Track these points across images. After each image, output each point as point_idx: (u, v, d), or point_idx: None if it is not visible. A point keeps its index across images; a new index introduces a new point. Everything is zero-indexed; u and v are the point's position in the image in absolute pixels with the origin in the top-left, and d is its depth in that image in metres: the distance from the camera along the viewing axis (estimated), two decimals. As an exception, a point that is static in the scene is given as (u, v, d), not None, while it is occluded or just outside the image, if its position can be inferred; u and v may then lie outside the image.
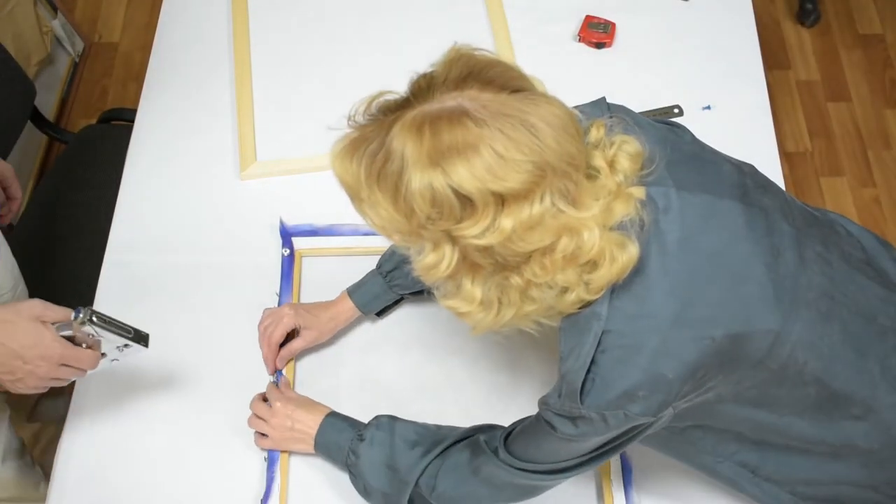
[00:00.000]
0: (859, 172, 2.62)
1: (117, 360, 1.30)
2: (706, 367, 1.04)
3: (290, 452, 1.39)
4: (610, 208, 1.00)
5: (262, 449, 1.39)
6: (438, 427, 1.29)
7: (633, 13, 1.86)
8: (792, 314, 1.07)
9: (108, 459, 1.39)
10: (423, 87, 0.99)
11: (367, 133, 1.01)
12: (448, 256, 1.00)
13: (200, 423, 1.42)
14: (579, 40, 1.84)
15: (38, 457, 1.72)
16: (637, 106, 1.71)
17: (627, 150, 1.03)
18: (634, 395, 1.02)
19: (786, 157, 2.61)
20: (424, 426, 1.30)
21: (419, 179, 0.95)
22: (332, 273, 1.56)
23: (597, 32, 1.82)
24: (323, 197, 1.65)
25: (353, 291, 1.47)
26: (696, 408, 1.09)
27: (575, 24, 1.85)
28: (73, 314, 1.23)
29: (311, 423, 1.35)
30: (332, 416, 1.35)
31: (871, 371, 1.14)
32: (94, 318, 1.23)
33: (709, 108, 1.74)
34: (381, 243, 1.57)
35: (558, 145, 0.95)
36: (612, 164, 1.01)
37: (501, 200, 0.95)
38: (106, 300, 1.54)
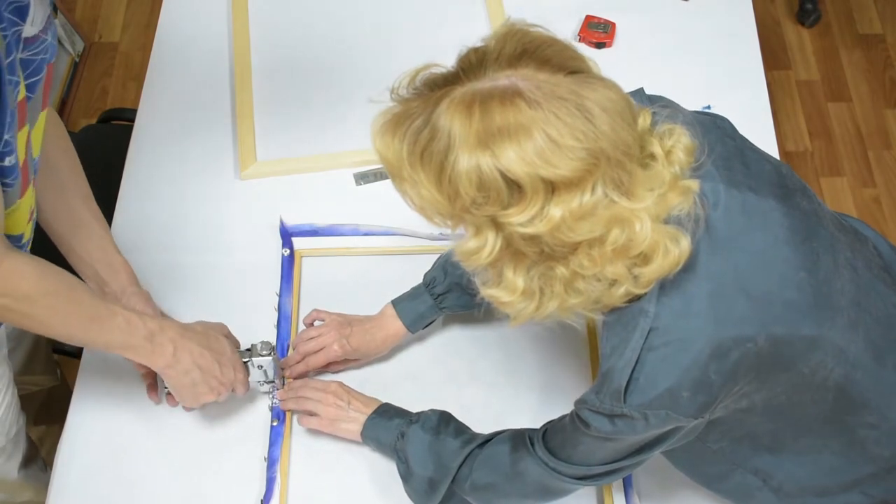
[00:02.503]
0: (859, 172, 2.63)
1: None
2: (747, 370, 1.02)
3: (332, 436, 1.38)
4: (664, 200, 0.96)
5: (309, 427, 1.39)
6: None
7: (633, 13, 1.86)
8: (828, 321, 1.05)
9: (108, 459, 1.39)
10: (475, 63, 0.95)
11: (411, 108, 0.96)
12: (491, 243, 0.96)
13: (201, 423, 1.42)
14: (579, 40, 1.84)
15: (43, 457, 1.72)
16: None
17: (683, 142, 0.99)
18: (678, 394, 1.00)
19: (786, 157, 2.61)
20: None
21: (466, 160, 0.91)
22: (332, 273, 1.56)
23: (597, 32, 1.82)
24: (323, 197, 1.66)
25: (402, 312, 1.42)
26: (729, 415, 1.08)
27: (575, 24, 1.85)
28: (259, 344, 1.37)
29: (364, 408, 1.35)
30: (387, 404, 1.35)
31: (887, 379, 1.13)
32: (274, 352, 1.37)
33: (709, 108, 1.74)
34: (382, 243, 1.57)
35: (614, 132, 0.92)
36: (668, 155, 0.98)
37: (552, 188, 0.91)
38: (106, 300, 1.54)
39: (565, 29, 1.85)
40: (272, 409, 1.42)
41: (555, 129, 0.90)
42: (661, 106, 1.04)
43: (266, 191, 1.66)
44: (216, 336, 1.33)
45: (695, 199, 0.98)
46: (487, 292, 1.02)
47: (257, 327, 1.49)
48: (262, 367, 1.37)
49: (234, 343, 1.39)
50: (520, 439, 1.20)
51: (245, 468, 1.38)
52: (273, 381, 1.40)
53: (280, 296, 1.53)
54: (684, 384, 1.00)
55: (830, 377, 1.08)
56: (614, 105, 0.93)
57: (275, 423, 1.40)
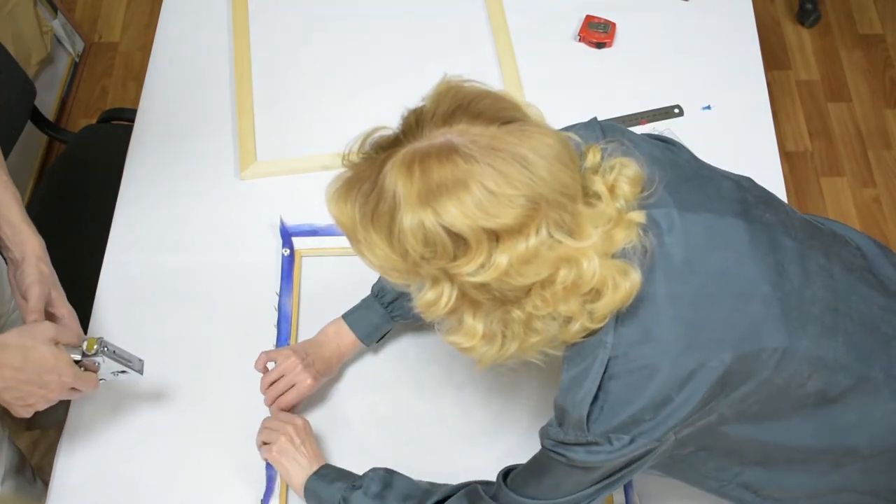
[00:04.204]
0: (859, 172, 2.62)
1: (105, 379, 1.32)
2: (714, 389, 1.02)
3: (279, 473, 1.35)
4: (610, 235, 0.98)
5: (263, 457, 1.36)
6: (433, 484, 1.26)
7: (633, 13, 1.86)
8: (798, 330, 1.06)
9: (107, 460, 1.39)
10: (413, 124, 0.98)
11: (360, 172, 1.00)
12: (447, 293, 0.98)
13: (200, 423, 1.42)
14: (579, 40, 1.84)
15: (36, 462, 1.71)
16: (637, 106, 1.73)
17: (627, 174, 1.01)
18: (641, 419, 1.01)
19: (786, 157, 2.61)
20: (419, 483, 1.26)
21: (410, 219, 0.94)
22: (332, 273, 1.56)
23: (597, 32, 1.82)
24: (323, 197, 1.65)
25: (354, 324, 1.42)
26: (698, 432, 1.08)
27: (575, 24, 1.85)
28: (84, 343, 1.27)
29: (312, 458, 1.31)
30: (327, 466, 1.31)
31: (873, 379, 1.13)
32: (105, 349, 1.28)
33: (709, 108, 1.74)
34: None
35: (551, 176, 0.94)
36: (612, 190, 1.00)
37: (495, 237, 0.94)
38: (106, 300, 1.54)
39: (565, 29, 1.85)
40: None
41: (492, 181, 0.92)
42: (609, 140, 1.06)
43: (266, 191, 1.66)
44: (32, 346, 1.21)
45: (640, 231, 1.00)
46: (449, 339, 1.04)
47: (257, 327, 1.49)
48: (99, 363, 1.30)
49: (72, 339, 1.27)
50: (474, 493, 1.19)
51: (245, 468, 1.38)
52: (126, 371, 1.32)
53: (280, 296, 1.53)
54: (648, 409, 1.01)
55: (808, 384, 1.09)
56: (550, 149, 0.95)
57: (274, 423, 1.40)
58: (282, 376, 1.39)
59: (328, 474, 1.29)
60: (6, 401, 1.23)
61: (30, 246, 1.32)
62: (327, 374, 1.43)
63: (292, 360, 1.39)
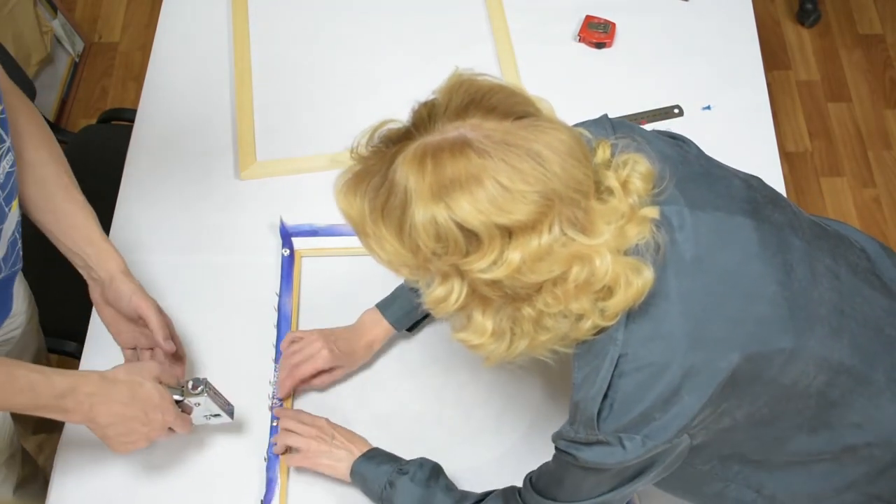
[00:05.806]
0: (859, 172, 2.63)
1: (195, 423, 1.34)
2: (723, 388, 1.02)
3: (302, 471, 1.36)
4: (623, 232, 0.97)
5: (289, 465, 1.36)
6: (465, 492, 1.27)
7: (633, 13, 1.86)
8: (806, 331, 1.06)
9: (107, 461, 1.39)
10: (425, 117, 0.97)
11: (369, 166, 0.99)
12: (457, 290, 0.97)
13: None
14: (579, 40, 1.84)
15: (41, 464, 1.71)
16: (637, 106, 1.73)
17: (639, 170, 1.00)
18: (650, 417, 1.01)
19: (786, 157, 2.61)
20: (456, 488, 1.28)
21: (422, 214, 0.93)
22: (332, 273, 1.56)
23: (597, 32, 1.82)
24: (323, 197, 1.64)
25: (385, 309, 1.43)
26: (713, 436, 1.08)
27: (575, 24, 1.85)
28: (189, 382, 1.29)
29: (349, 444, 1.32)
30: (375, 449, 1.33)
31: (876, 382, 1.13)
32: (209, 390, 1.29)
33: (709, 108, 1.74)
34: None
35: (565, 172, 0.93)
36: (625, 185, 0.99)
37: (508, 233, 0.93)
38: (106, 300, 1.53)
39: (565, 29, 1.85)
40: (272, 409, 1.42)
41: (505, 176, 0.91)
42: (620, 136, 1.05)
43: (266, 191, 1.66)
44: (140, 383, 1.24)
45: (653, 227, 0.99)
46: (458, 336, 1.03)
47: (257, 327, 1.49)
48: (199, 404, 1.30)
49: (172, 379, 1.30)
50: (511, 495, 1.20)
51: (245, 468, 1.38)
52: (220, 415, 1.33)
53: (280, 296, 1.53)
54: (657, 407, 1.01)
55: (813, 385, 1.09)
56: (563, 145, 0.95)
57: (275, 424, 1.40)
58: (302, 349, 1.41)
59: (375, 457, 1.31)
60: (109, 436, 1.24)
61: (115, 264, 1.35)
62: (351, 358, 1.43)
63: (314, 336, 1.41)
